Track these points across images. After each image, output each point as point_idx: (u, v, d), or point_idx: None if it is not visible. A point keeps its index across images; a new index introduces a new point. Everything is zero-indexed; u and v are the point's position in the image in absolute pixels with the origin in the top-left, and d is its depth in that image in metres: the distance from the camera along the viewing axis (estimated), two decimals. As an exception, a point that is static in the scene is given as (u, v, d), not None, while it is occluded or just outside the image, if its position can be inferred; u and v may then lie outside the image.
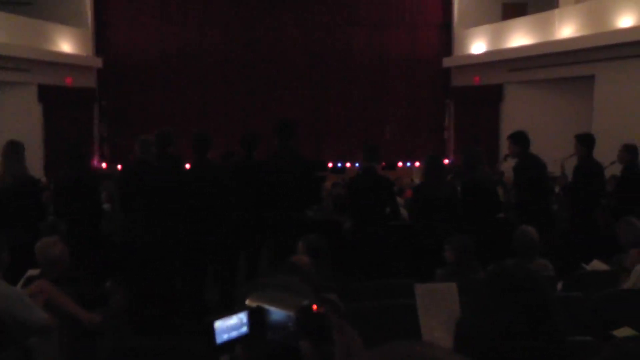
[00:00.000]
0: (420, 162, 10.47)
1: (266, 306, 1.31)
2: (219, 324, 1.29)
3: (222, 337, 1.29)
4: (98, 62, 13.44)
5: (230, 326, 1.31)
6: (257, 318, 1.31)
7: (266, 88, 14.19)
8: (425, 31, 15.08)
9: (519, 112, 13.27)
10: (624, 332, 3.18)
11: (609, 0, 11.30)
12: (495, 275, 1.56)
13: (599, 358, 1.69)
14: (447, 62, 14.95)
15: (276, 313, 1.29)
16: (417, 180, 9.58)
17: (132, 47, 13.96)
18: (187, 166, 6.25)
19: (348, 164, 13.60)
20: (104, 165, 13.32)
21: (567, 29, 12.17)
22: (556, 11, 12.60)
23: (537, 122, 12.29)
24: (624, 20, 10.82)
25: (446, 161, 13.84)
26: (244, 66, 14.14)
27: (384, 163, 6.15)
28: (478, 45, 14.35)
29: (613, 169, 7.28)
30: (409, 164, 14.12)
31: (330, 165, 13.45)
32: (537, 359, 1.45)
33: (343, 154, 13.93)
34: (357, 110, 14.71)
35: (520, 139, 6.18)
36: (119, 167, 12.68)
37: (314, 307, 1.27)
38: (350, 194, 6.26)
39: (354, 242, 6.04)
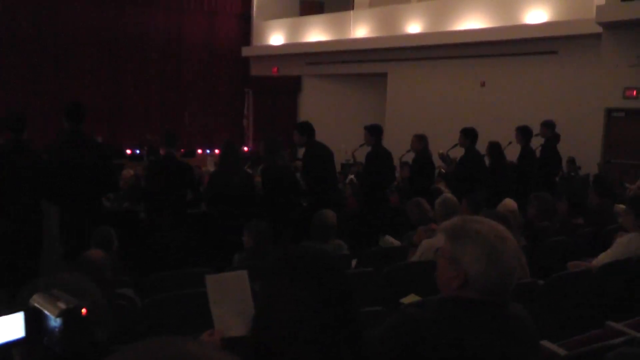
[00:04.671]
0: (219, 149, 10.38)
1: (41, 308, 1.18)
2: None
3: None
4: None
5: (3, 329, 1.16)
6: (33, 321, 1.18)
7: (56, 67, 13.03)
8: (225, 19, 15.02)
9: (316, 103, 13.81)
10: (410, 298, 3.45)
11: (399, 8, 12.26)
12: (280, 258, 1.56)
13: (385, 323, 1.78)
14: (245, 51, 15.07)
15: (49, 316, 1.17)
16: (210, 168, 9.55)
17: None
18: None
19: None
20: None
21: (361, 30, 12.92)
22: (351, 12, 13.32)
23: (335, 114, 12.94)
24: (412, 27, 11.82)
25: (245, 149, 13.99)
26: (32, 42, 12.77)
27: (183, 150, 6.02)
28: (276, 38, 14.64)
29: (406, 156, 7.91)
30: (208, 150, 14.02)
31: (128, 152, 12.84)
32: (333, 338, 1.49)
33: (141, 140, 13.38)
34: (155, 95, 14.22)
35: (305, 129, 6.39)
36: None
37: (84, 311, 1.16)
38: (150, 180, 6.02)
39: (152, 232, 5.83)
